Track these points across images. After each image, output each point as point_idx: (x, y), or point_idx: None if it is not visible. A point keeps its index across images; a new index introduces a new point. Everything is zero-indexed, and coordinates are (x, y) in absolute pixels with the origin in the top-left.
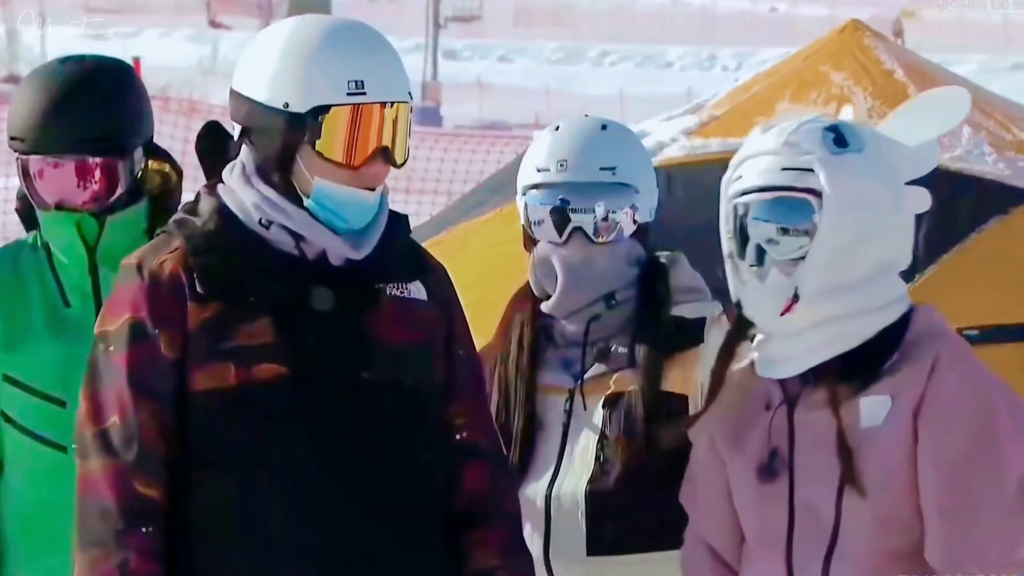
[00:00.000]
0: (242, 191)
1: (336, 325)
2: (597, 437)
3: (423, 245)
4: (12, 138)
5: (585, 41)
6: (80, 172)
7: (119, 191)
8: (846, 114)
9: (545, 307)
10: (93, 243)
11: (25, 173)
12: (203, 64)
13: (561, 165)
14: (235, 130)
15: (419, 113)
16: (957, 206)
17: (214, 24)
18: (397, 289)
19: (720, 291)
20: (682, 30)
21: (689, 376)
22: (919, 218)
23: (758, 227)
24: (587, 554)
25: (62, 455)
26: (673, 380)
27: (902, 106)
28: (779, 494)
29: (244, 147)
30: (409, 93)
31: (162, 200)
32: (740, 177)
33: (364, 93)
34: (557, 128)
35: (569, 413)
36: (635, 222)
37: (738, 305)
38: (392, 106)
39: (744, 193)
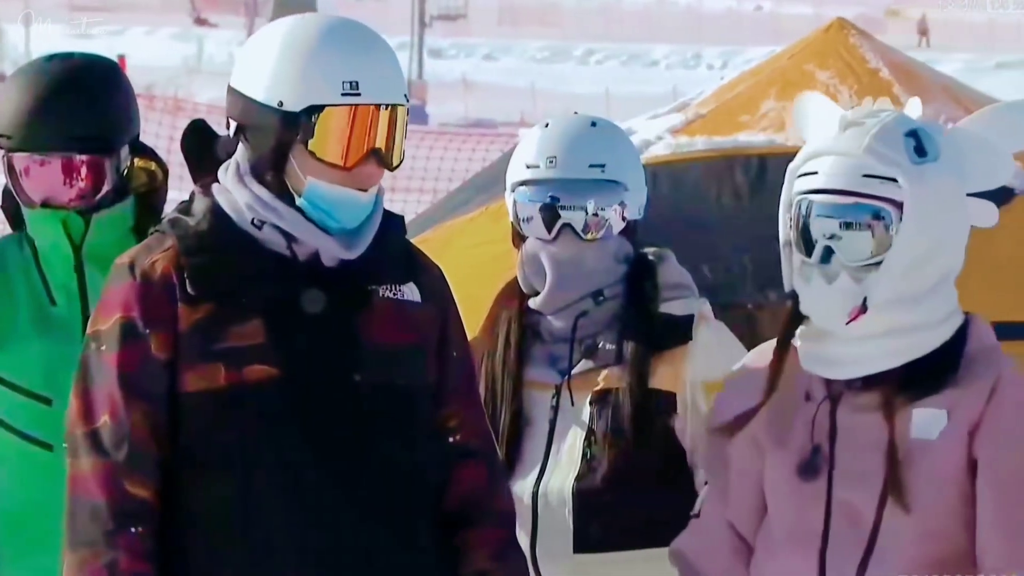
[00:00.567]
0: (236, 190)
1: (328, 326)
2: (584, 434)
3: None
4: None
5: (571, 40)
6: (66, 170)
7: (105, 189)
8: (913, 105)
9: (533, 303)
10: (79, 241)
11: (11, 170)
12: (188, 62)
13: (551, 162)
14: (227, 128)
15: None
16: None
17: (199, 21)
18: (390, 291)
19: (706, 288)
20: (668, 29)
21: (677, 373)
22: None
23: (823, 223)
24: (574, 551)
25: (48, 453)
26: (661, 377)
27: (984, 111)
28: (818, 492)
29: (240, 146)
30: (405, 96)
31: (148, 198)
32: (815, 173)
33: (359, 94)
34: (547, 125)
35: (556, 410)
36: (624, 219)
37: (794, 297)
38: (387, 108)
39: (819, 191)
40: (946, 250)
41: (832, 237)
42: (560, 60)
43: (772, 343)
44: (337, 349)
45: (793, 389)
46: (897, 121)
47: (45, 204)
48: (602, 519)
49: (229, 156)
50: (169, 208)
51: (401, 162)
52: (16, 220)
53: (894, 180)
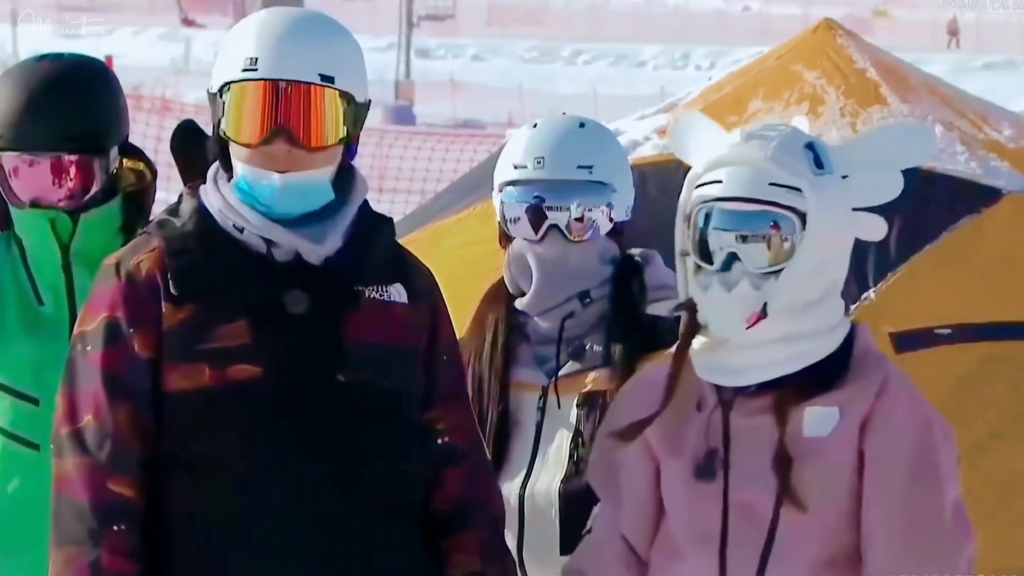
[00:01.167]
0: (212, 195)
1: (312, 327)
2: (571, 436)
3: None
4: None
5: (558, 40)
6: (56, 170)
7: (94, 189)
8: (800, 123)
9: (520, 304)
10: (67, 241)
11: (0, 170)
12: (176, 63)
13: (538, 162)
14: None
15: (393, 112)
16: (929, 205)
17: (187, 22)
18: (377, 292)
19: None
20: (655, 29)
21: None
22: (892, 216)
23: (721, 230)
24: (561, 553)
25: (36, 453)
26: None
27: (868, 131)
28: (714, 493)
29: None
30: (327, 77)
31: (136, 199)
32: (718, 181)
33: (256, 69)
34: (535, 125)
35: (543, 411)
36: (611, 220)
37: (691, 307)
38: (292, 84)
39: (724, 199)
40: (837, 261)
41: (735, 244)
42: (548, 60)
43: (667, 355)
44: (321, 349)
45: (687, 398)
46: (795, 134)
47: (34, 204)
48: (588, 521)
49: (211, 156)
50: (157, 208)
51: (339, 144)
52: (4, 220)
53: (798, 190)
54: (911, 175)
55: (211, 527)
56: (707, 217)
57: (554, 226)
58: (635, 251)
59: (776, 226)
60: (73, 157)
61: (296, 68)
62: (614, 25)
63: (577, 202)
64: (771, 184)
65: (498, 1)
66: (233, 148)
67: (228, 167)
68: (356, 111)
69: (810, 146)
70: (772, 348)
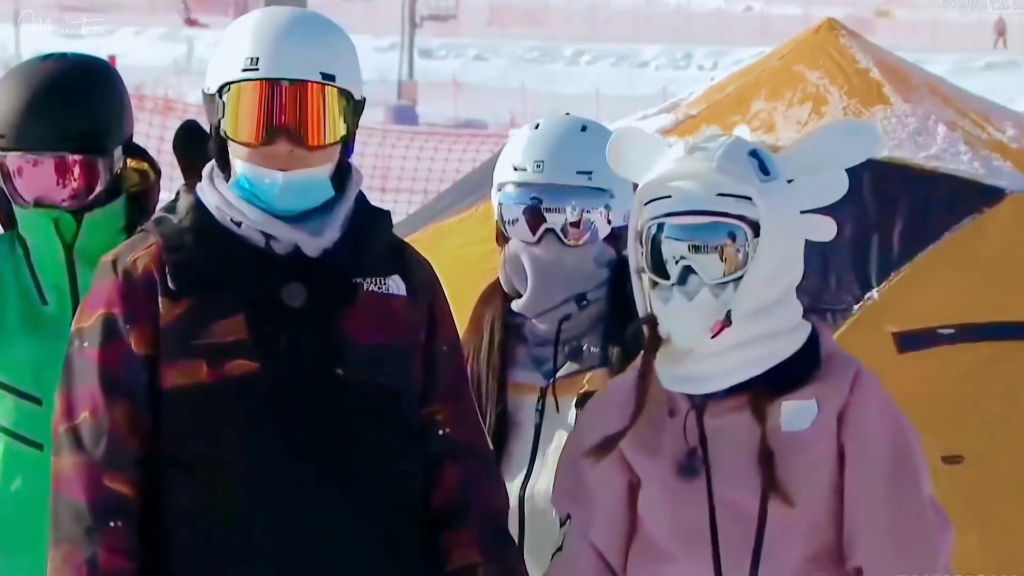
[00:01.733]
0: (208, 191)
1: (310, 321)
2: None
3: None
4: None
5: (561, 40)
6: (59, 169)
7: (98, 189)
8: (741, 131)
9: (515, 306)
10: (71, 241)
11: (3, 170)
12: (178, 63)
13: (538, 166)
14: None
15: (395, 112)
16: (932, 205)
17: (190, 22)
18: (375, 285)
19: None
20: (657, 29)
21: None
22: (893, 216)
23: (679, 244)
24: None
25: (38, 452)
26: None
27: (810, 133)
28: (698, 492)
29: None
30: (328, 75)
31: (140, 199)
32: (668, 197)
33: (257, 69)
34: (537, 126)
35: (542, 413)
36: (609, 223)
37: (652, 321)
38: (293, 83)
39: (674, 214)
40: (791, 264)
41: (688, 256)
42: (550, 61)
43: (630, 371)
44: (320, 344)
45: (658, 406)
46: (739, 143)
47: (38, 204)
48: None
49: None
50: None
51: (339, 143)
52: (8, 220)
53: (747, 198)
54: (913, 175)
55: (210, 525)
56: (659, 233)
57: (551, 230)
58: None
59: (728, 236)
60: (77, 157)
61: (297, 67)
62: (616, 25)
63: (574, 205)
64: (719, 195)
65: (500, 1)
66: (233, 147)
67: (224, 166)
68: (354, 109)
69: (754, 153)
70: (735, 353)
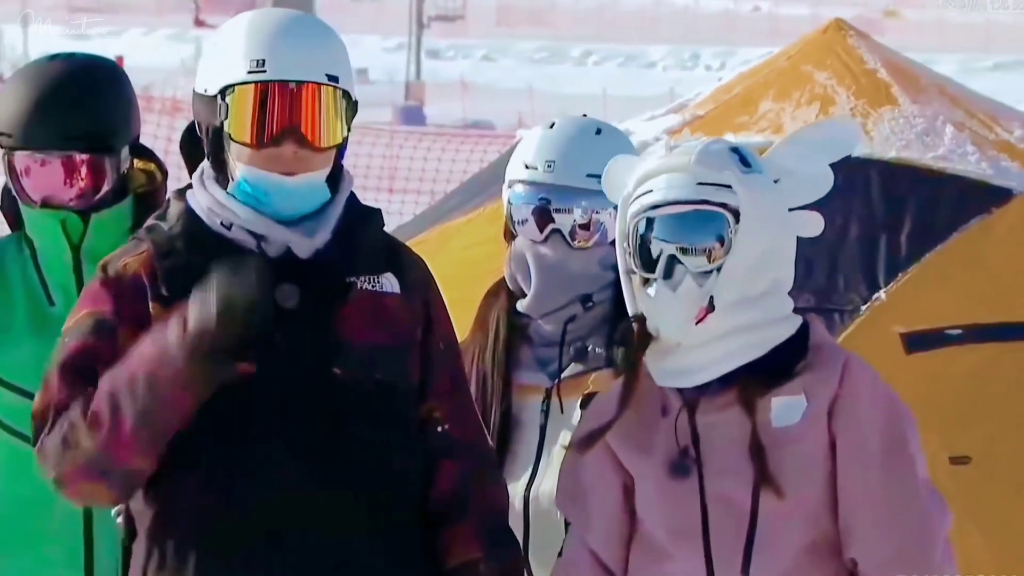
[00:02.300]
0: (199, 194)
1: (304, 321)
2: None
3: (406, 244)
4: None
5: (568, 41)
6: (67, 169)
7: (105, 189)
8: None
9: (520, 306)
10: (78, 242)
11: (11, 170)
12: (185, 64)
13: (549, 166)
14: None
15: (402, 112)
16: (940, 205)
17: (199, 23)
18: (368, 283)
19: None
20: (665, 30)
21: None
22: (901, 217)
23: (664, 235)
24: None
25: None
26: None
27: (793, 133)
28: (690, 489)
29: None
30: (333, 77)
31: (147, 199)
32: (650, 192)
33: (264, 71)
34: (551, 125)
35: (547, 414)
36: None
37: (640, 319)
38: (300, 85)
39: (656, 207)
40: (777, 260)
41: (674, 247)
42: (557, 61)
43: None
44: (315, 343)
45: (650, 405)
46: (719, 141)
47: (45, 203)
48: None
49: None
50: None
51: (340, 145)
52: (16, 220)
53: (728, 187)
54: (921, 175)
55: (198, 524)
56: (644, 227)
57: (557, 231)
58: None
59: (705, 224)
60: (84, 157)
61: (304, 69)
62: (623, 26)
63: (583, 207)
64: (699, 183)
65: (507, 2)
66: (234, 149)
67: (219, 168)
68: (352, 111)
69: (735, 149)
70: (723, 342)
